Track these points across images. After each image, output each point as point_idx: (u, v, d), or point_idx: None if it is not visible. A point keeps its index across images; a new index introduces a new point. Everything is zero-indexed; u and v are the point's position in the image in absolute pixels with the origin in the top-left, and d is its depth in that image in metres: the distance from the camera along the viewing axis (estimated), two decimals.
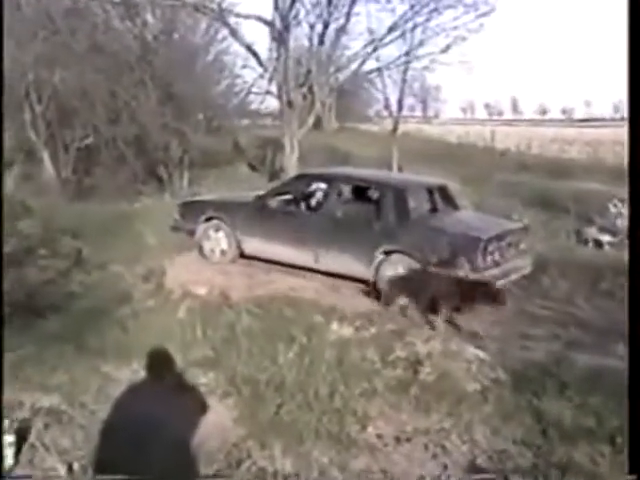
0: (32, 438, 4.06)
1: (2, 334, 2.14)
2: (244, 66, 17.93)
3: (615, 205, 10.38)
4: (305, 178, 8.09)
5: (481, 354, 5.20)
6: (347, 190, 7.85)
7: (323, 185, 7.84)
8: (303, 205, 7.83)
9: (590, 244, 9.71)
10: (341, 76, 18.31)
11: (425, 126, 40.50)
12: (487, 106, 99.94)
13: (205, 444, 4.08)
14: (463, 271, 6.36)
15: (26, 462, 3.88)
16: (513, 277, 6.82)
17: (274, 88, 16.33)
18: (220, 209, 8.12)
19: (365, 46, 16.45)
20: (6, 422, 3.92)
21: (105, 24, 15.09)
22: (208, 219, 8.19)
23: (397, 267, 6.81)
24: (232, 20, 15.35)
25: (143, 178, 15.19)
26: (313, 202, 7.82)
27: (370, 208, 7.20)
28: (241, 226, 7.98)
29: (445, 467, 3.95)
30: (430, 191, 7.83)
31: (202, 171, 15.80)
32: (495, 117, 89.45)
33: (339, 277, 7.25)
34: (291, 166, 14.97)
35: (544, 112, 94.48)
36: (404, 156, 16.78)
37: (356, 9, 19.13)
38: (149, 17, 15.91)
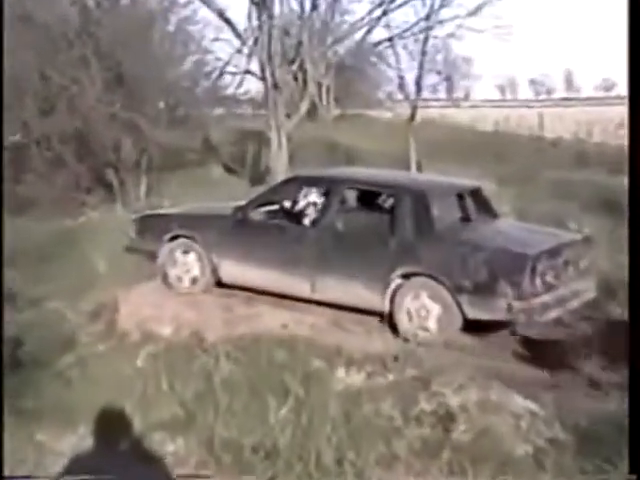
0: None
1: (2, 334, 2.51)
2: (216, 38, 18.17)
3: None
4: (298, 182, 8.20)
5: (532, 406, 5.24)
6: (352, 197, 8.00)
7: (321, 191, 7.96)
8: (295, 217, 7.94)
9: None
10: (341, 49, 18.58)
11: (452, 111, 40.81)
12: (533, 82, 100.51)
13: None
14: (505, 299, 6.46)
15: None
16: (572, 305, 6.90)
17: (255, 66, 16.57)
18: (189, 224, 8.24)
19: (371, 10, 16.70)
20: None
21: None
22: (174, 237, 8.28)
23: (419, 294, 6.91)
24: None
25: (88, 185, 15.26)
26: (308, 213, 7.93)
27: (382, 219, 7.34)
28: (217, 246, 8.07)
29: None
30: (460, 195, 7.93)
31: (164, 175, 15.89)
32: (543, 96, 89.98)
33: (343, 309, 7.37)
34: (279, 167, 15.21)
35: (609, 88, 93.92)
36: (425, 150, 16.91)
37: None
38: None
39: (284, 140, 15.63)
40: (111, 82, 15.47)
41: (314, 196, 7.95)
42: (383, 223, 7.26)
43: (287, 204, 8.10)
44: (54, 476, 3.69)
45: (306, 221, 7.81)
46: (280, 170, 14.96)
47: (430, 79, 28.13)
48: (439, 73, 31.95)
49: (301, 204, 7.98)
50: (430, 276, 6.87)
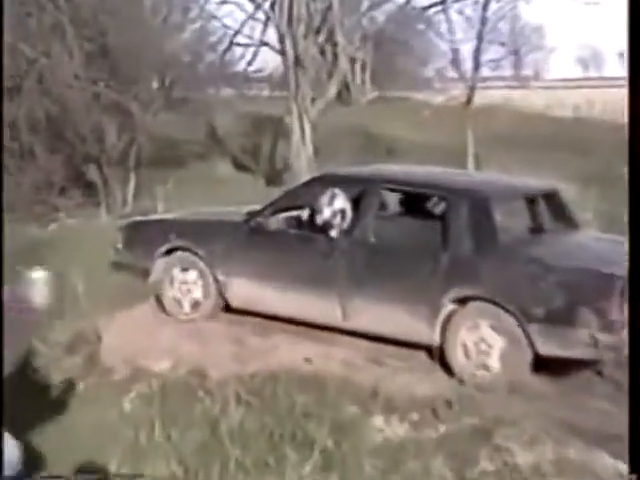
0: None
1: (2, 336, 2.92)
2: (223, 1, 18.29)
3: None
4: (325, 183, 8.16)
5: (621, 467, 5.20)
6: (393, 201, 8.06)
7: (354, 193, 7.93)
8: (322, 226, 7.89)
9: None
10: (380, 15, 18.58)
11: (519, 93, 40.70)
12: (623, 56, 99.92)
13: None
14: (588, 330, 6.44)
15: None
16: None
17: (273, 37, 16.63)
18: (189, 234, 8.28)
19: None
20: None
21: None
22: (170, 250, 8.33)
23: (478, 323, 6.97)
24: None
25: (62, 185, 15.34)
26: (338, 221, 7.86)
27: (431, 229, 7.39)
28: (224, 261, 8.14)
29: None
30: (531, 200, 7.94)
31: (158, 172, 15.93)
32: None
33: (382, 340, 7.41)
34: (302, 163, 15.32)
35: None
36: (486, 142, 16.95)
37: None
38: None
39: (308, 129, 15.72)
40: (93, 55, 15.61)
41: (346, 200, 7.91)
42: (432, 234, 7.30)
43: (312, 210, 8.11)
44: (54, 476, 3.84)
45: (335, 231, 7.83)
46: (303, 167, 15.07)
47: (492, 52, 28.06)
48: (503, 45, 31.90)
49: (329, 210, 7.91)
50: (492, 301, 6.88)
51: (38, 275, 3.71)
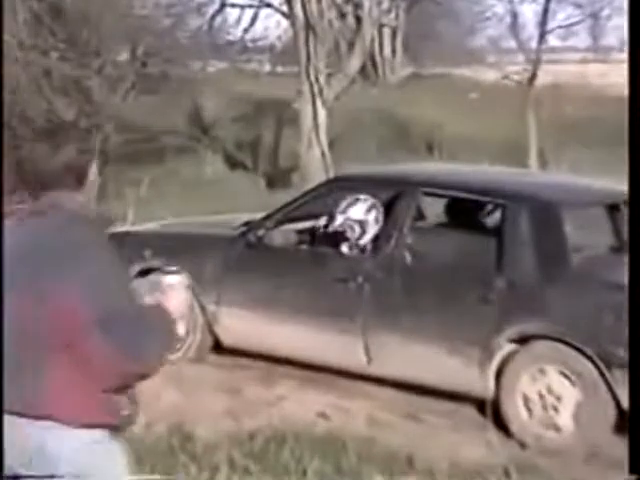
0: None
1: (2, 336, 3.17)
2: None
3: None
4: (344, 186, 8.34)
5: None
6: (433, 210, 8.29)
7: (382, 200, 8.01)
8: (340, 241, 7.96)
9: None
10: None
11: (597, 68, 40.64)
12: None
13: None
14: None
15: None
16: None
17: None
18: (168, 251, 8.29)
19: None
20: None
21: None
22: (144, 272, 8.20)
23: (545, 369, 6.99)
24: None
25: (7, 186, 15.41)
26: (357, 234, 7.93)
27: (483, 246, 7.46)
28: (213, 287, 8.20)
29: None
30: (612, 208, 7.96)
31: (128, 171, 16.04)
32: None
33: (418, 391, 7.43)
34: (314, 160, 15.25)
35: None
36: (553, 134, 16.92)
37: None
38: None
39: (323, 116, 15.68)
40: (42, 18, 15.60)
41: (369, 210, 7.97)
42: (484, 252, 7.36)
43: (327, 220, 8.16)
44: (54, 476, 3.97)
45: (357, 248, 7.88)
46: (316, 166, 15.01)
47: (563, 16, 28.07)
48: (579, 6, 31.90)
49: (350, 221, 7.97)
50: (563, 340, 6.90)
51: (176, 279, 3.77)
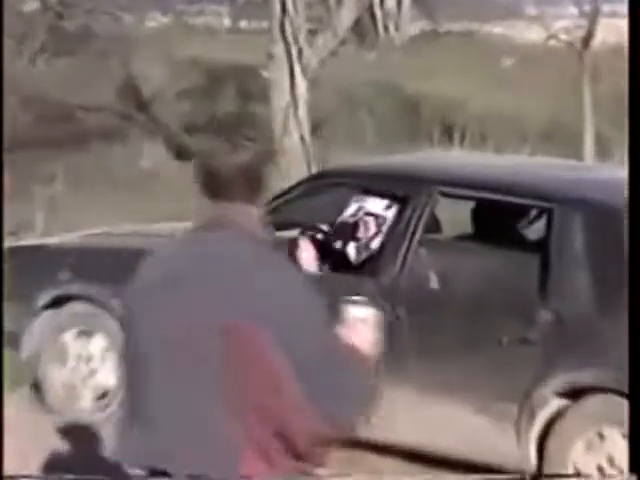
0: None
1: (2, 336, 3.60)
2: None
3: None
4: (333, 184, 8.02)
5: None
6: (454, 216, 8.13)
7: (385, 203, 7.48)
8: (347, 239, 7.52)
9: None
10: None
11: None
12: None
13: None
14: None
15: None
16: None
17: None
18: (94, 273, 7.95)
19: None
20: None
21: None
22: (60, 301, 7.96)
23: (603, 433, 6.46)
24: None
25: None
26: (371, 233, 7.34)
27: (522, 265, 7.04)
28: None
29: None
30: None
31: (39, 160, 15.11)
32: None
33: (431, 462, 6.98)
34: (291, 149, 14.27)
35: None
36: (616, 114, 15.69)
37: None
38: None
39: (302, 87, 14.57)
40: None
41: (392, 204, 7.43)
42: (522, 274, 6.91)
43: (312, 229, 7.81)
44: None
45: (366, 252, 7.41)
46: (293, 156, 14.06)
47: None
48: None
49: (364, 213, 7.54)
50: (627, 394, 6.05)
51: (368, 312, 3.73)
